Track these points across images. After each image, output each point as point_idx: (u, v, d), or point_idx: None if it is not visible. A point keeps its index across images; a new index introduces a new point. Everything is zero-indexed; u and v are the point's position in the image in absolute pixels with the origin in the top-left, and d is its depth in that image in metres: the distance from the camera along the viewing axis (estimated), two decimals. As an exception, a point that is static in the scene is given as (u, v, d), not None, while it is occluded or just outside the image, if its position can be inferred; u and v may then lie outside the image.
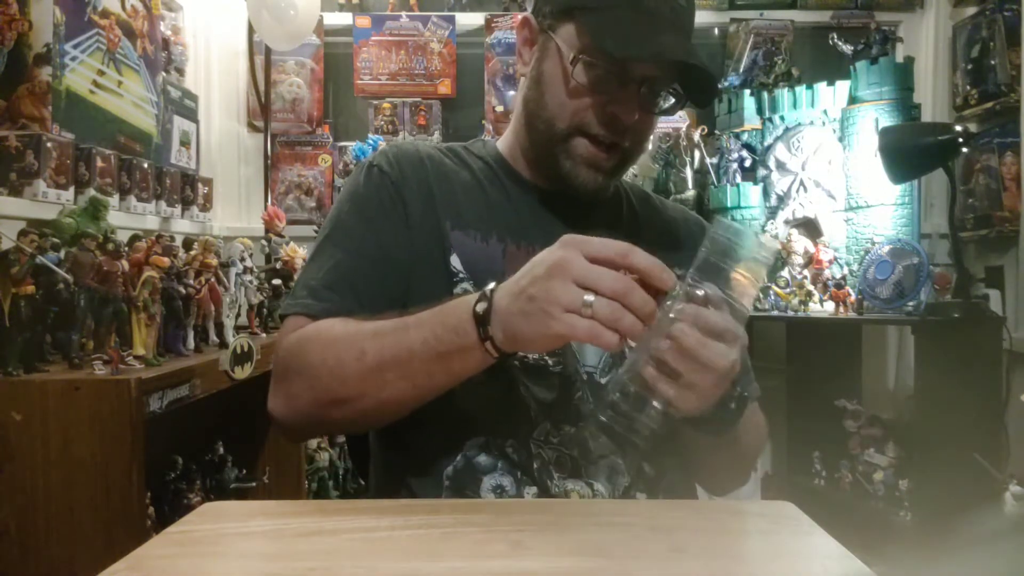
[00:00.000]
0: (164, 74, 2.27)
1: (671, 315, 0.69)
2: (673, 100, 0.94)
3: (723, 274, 0.71)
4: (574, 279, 0.67)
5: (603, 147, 0.91)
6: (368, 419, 0.88)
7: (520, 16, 0.97)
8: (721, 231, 0.71)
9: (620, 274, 0.68)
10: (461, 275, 0.90)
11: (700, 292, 0.69)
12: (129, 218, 1.95)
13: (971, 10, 2.55)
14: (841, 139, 2.38)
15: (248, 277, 1.78)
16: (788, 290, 2.32)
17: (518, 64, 0.99)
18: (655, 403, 0.70)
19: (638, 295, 0.67)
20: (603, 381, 0.91)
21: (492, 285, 0.75)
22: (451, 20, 2.82)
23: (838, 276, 2.31)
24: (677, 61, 0.88)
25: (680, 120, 2.67)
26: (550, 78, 0.92)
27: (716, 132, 2.68)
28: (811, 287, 2.30)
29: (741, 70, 2.76)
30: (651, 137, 2.43)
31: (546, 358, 0.89)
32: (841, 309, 2.23)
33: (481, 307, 0.73)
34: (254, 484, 1.87)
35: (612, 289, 0.67)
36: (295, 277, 1.97)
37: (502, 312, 0.72)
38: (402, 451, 0.91)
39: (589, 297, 0.66)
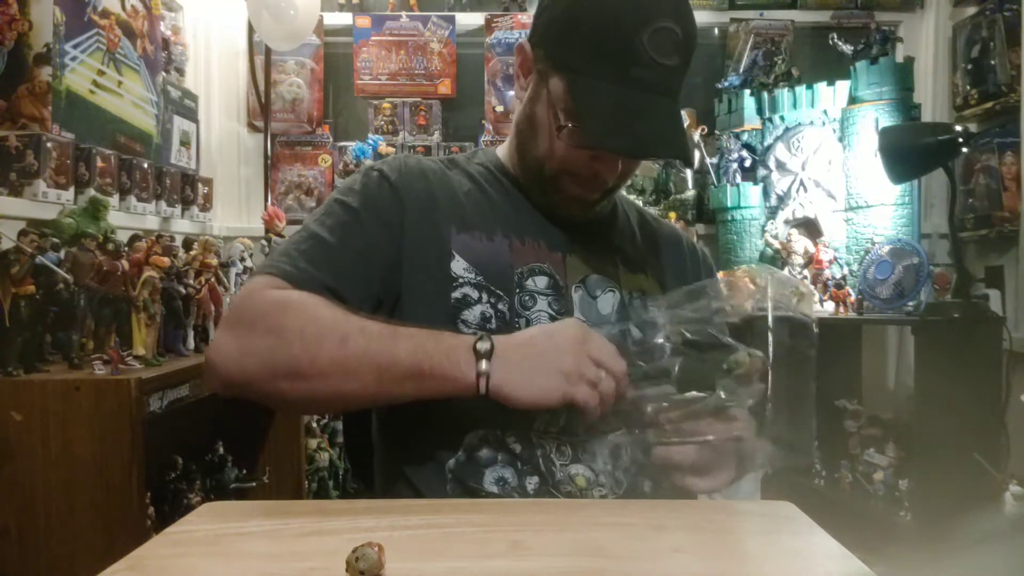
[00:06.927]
0: (164, 74, 2.27)
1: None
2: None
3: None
4: (592, 357, 0.80)
5: (588, 188, 0.95)
6: (309, 404, 0.90)
7: (519, 41, 0.98)
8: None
9: (621, 359, 0.82)
10: (462, 279, 0.91)
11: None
12: (129, 218, 1.95)
13: (971, 10, 2.55)
14: (841, 139, 2.38)
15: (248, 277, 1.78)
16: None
17: (516, 84, 0.99)
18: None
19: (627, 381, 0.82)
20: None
21: (489, 339, 0.81)
22: (451, 20, 2.82)
23: (838, 276, 2.31)
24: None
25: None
26: (540, 123, 0.93)
27: (716, 132, 2.69)
28: (811, 287, 2.30)
29: (741, 70, 2.76)
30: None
31: None
32: (841, 309, 2.23)
33: (483, 345, 0.79)
34: (254, 484, 1.87)
35: (618, 370, 0.80)
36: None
37: (510, 359, 0.79)
38: (403, 446, 0.91)
39: (601, 374, 0.79)
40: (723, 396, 0.78)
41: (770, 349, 0.79)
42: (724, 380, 0.79)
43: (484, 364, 0.78)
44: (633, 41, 0.83)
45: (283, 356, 0.80)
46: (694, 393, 0.80)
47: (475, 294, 0.90)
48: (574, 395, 0.78)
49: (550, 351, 0.80)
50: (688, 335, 0.83)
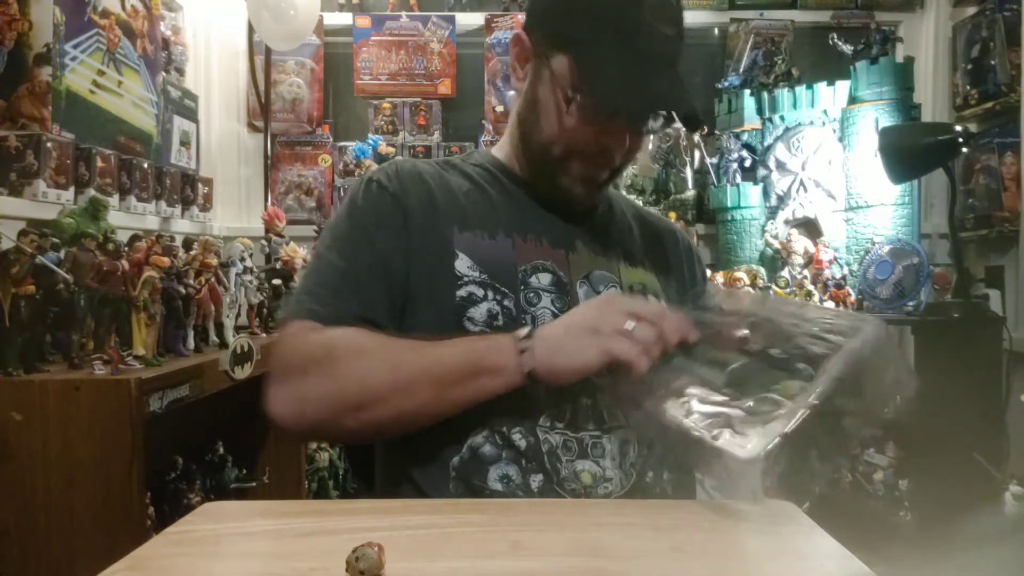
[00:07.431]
0: (164, 74, 2.27)
1: None
2: (662, 120, 0.98)
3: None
4: (623, 309, 0.80)
5: (596, 166, 0.96)
6: (377, 431, 0.92)
7: (514, 32, 1.00)
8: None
9: (657, 303, 0.81)
10: (467, 278, 0.91)
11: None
12: (129, 218, 1.95)
13: (971, 10, 2.55)
14: (841, 139, 2.38)
15: (248, 277, 1.78)
16: (788, 290, 2.33)
17: (512, 78, 1.01)
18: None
19: (671, 321, 0.79)
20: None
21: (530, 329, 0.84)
22: (451, 20, 2.82)
23: (838, 276, 2.31)
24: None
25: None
26: (544, 105, 0.95)
27: (716, 132, 2.68)
28: (811, 287, 2.30)
29: (741, 70, 2.76)
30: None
31: None
32: (841, 309, 2.23)
33: (524, 331, 0.83)
34: (254, 484, 1.87)
35: (652, 314, 0.79)
36: (295, 279, 1.97)
37: (547, 335, 0.82)
38: (406, 444, 0.91)
39: (632, 323, 0.78)
40: (743, 412, 0.73)
41: (818, 392, 0.71)
42: (758, 396, 0.74)
43: (525, 343, 0.81)
44: (634, 12, 0.87)
45: (342, 396, 0.84)
46: (718, 397, 0.76)
47: (480, 292, 0.91)
48: (610, 348, 0.77)
49: (580, 318, 0.82)
50: (772, 343, 0.79)
